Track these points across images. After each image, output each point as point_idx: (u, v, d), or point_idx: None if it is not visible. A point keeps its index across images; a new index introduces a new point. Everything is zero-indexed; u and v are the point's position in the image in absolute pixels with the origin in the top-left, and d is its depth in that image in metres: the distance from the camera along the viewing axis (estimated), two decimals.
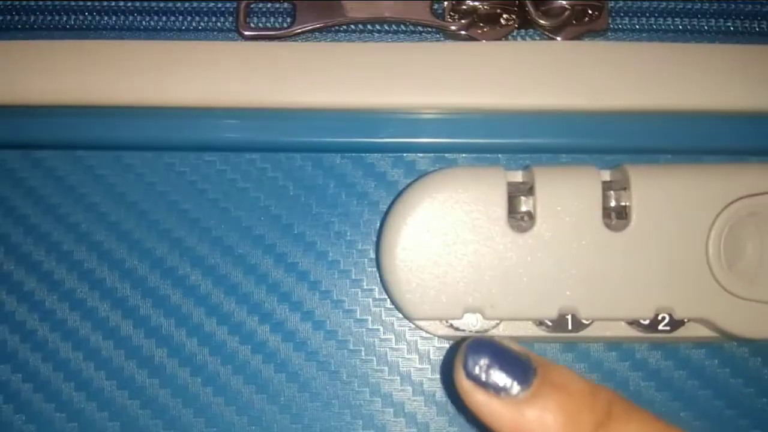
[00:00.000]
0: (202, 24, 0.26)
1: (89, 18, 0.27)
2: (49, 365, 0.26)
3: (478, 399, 0.19)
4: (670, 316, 0.24)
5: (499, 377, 0.19)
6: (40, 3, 0.26)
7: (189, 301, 0.26)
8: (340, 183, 0.26)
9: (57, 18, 0.27)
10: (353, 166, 0.26)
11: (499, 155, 0.26)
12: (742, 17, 0.26)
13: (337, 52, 0.26)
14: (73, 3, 0.27)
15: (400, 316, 0.26)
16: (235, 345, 0.26)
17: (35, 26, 0.26)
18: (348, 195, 0.26)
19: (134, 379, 0.26)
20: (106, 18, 0.27)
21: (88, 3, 0.26)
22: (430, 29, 0.26)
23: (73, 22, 0.27)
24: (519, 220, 0.24)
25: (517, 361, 0.19)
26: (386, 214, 0.25)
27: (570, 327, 0.24)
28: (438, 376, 0.26)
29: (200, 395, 0.26)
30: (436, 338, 0.26)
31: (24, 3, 0.26)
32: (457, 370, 0.20)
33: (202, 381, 0.26)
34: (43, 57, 0.26)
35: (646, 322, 0.24)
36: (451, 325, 0.25)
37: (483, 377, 0.19)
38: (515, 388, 0.19)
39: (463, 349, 0.20)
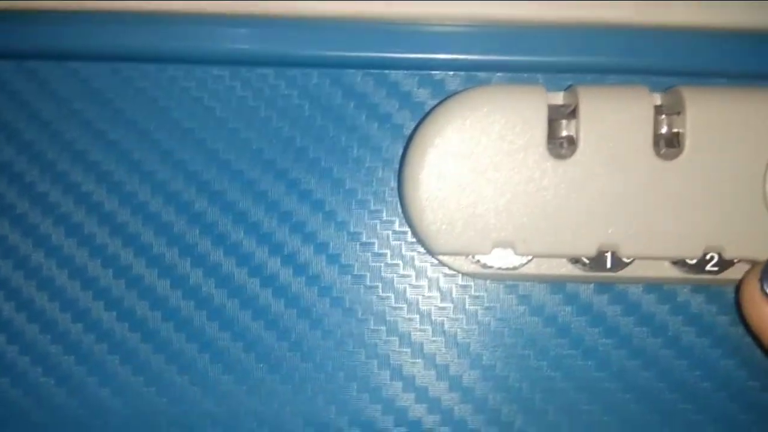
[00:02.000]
0: None
1: None
2: (45, 294, 0.25)
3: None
4: (720, 255, 0.22)
5: None
6: None
7: (194, 230, 0.25)
8: (360, 103, 0.24)
9: None
10: (375, 85, 0.24)
11: (539, 75, 0.23)
12: None
13: None
14: None
15: (422, 250, 0.24)
16: (243, 278, 0.24)
17: None
18: (369, 117, 0.24)
19: (135, 313, 0.25)
20: None
21: None
22: None
23: None
24: (558, 146, 0.22)
25: None
26: (410, 137, 0.23)
27: (609, 266, 0.22)
28: (461, 316, 0.24)
29: (205, 329, 0.24)
30: (460, 276, 0.24)
31: None
32: (751, 279, 0.20)
33: (208, 315, 0.24)
34: None
35: (693, 261, 0.22)
36: (478, 261, 0.23)
37: None
38: None
39: (763, 264, 0.21)
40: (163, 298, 0.25)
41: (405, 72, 0.24)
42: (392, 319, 0.24)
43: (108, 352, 0.25)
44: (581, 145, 0.21)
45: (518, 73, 0.23)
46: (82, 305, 0.25)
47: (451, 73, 0.24)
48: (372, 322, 0.24)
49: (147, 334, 0.25)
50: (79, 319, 0.25)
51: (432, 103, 0.24)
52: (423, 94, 0.24)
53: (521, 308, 0.24)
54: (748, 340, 0.24)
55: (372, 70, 0.24)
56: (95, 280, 0.25)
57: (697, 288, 0.24)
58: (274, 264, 0.24)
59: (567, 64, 0.23)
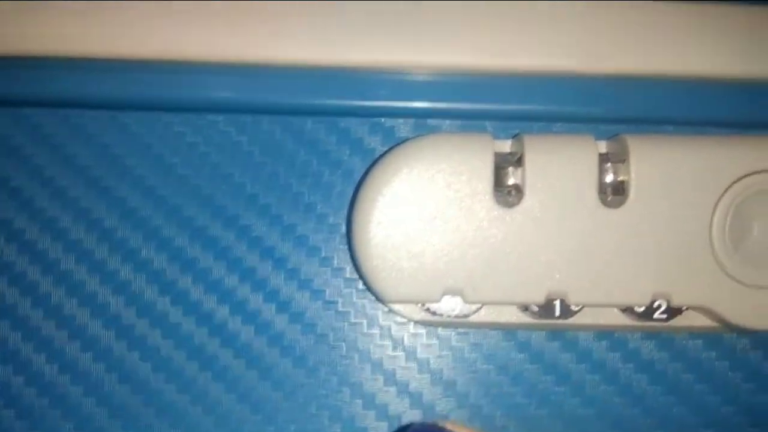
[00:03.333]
0: None
1: None
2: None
3: None
4: (668, 303, 0.22)
5: None
6: None
7: (140, 277, 0.24)
8: (311, 150, 0.24)
9: None
10: (326, 132, 0.24)
11: (487, 122, 0.24)
12: None
13: (309, 4, 0.23)
14: None
15: (373, 298, 0.24)
16: (191, 327, 0.24)
17: None
18: (320, 163, 0.24)
19: (76, 363, 0.24)
20: None
21: None
22: None
23: None
24: (506, 194, 0.22)
25: None
26: (359, 184, 0.23)
27: (558, 313, 0.22)
28: (412, 364, 0.24)
29: (150, 381, 0.24)
30: (412, 324, 0.24)
31: None
32: None
33: (153, 366, 0.24)
34: (16, 5, 0.23)
35: (641, 309, 0.22)
36: (428, 309, 0.22)
37: None
38: None
39: None
40: (121, 357, 0.24)
41: (356, 119, 0.24)
42: (344, 368, 0.24)
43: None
44: (527, 193, 0.21)
45: (467, 121, 0.24)
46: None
47: (402, 120, 0.24)
48: (323, 372, 0.24)
49: (90, 386, 0.24)
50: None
51: (382, 149, 0.24)
52: (374, 141, 0.24)
53: (473, 356, 0.24)
54: (700, 386, 0.24)
55: (323, 117, 0.24)
56: (48, 342, 0.24)
57: (647, 335, 0.23)
58: (222, 313, 0.24)
59: (515, 112, 0.23)
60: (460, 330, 0.24)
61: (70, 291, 0.24)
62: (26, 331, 0.24)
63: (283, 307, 0.24)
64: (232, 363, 0.24)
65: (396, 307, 0.23)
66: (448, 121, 0.24)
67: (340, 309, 0.24)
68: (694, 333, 0.23)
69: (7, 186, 0.24)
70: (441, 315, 0.22)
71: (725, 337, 0.24)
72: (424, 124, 0.24)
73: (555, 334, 0.24)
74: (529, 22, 0.22)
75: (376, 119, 0.24)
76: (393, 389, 0.24)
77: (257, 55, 0.23)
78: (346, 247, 0.24)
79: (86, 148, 0.24)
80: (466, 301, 0.22)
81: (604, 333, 0.24)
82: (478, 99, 0.23)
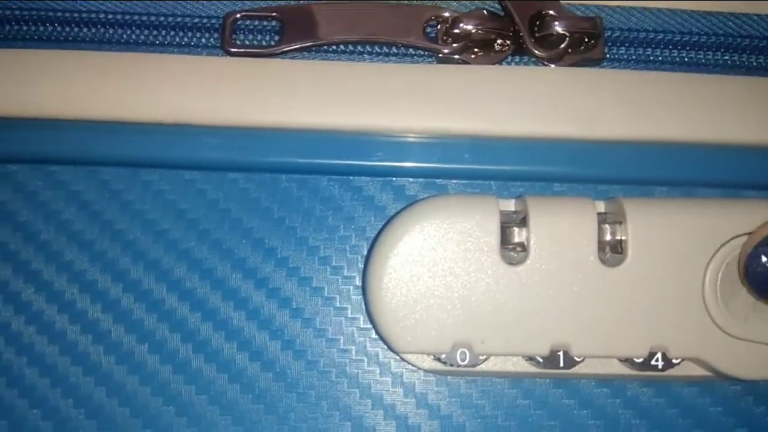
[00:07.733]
0: (185, 39, 0.25)
1: (67, 29, 0.25)
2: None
3: None
4: (664, 354, 0.23)
5: None
6: (17, 13, 0.25)
7: (163, 327, 0.25)
8: (326, 206, 0.25)
9: (34, 28, 0.25)
10: (340, 189, 0.25)
11: (491, 182, 0.25)
12: (740, 51, 0.25)
13: (327, 71, 0.25)
14: (50, 13, 0.25)
15: (385, 347, 0.25)
16: (212, 374, 0.25)
17: (10, 36, 0.25)
18: (334, 219, 0.25)
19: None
20: (85, 30, 0.25)
21: (67, 14, 0.25)
22: (422, 52, 0.25)
23: (50, 33, 0.25)
24: (512, 250, 0.23)
25: None
26: (374, 242, 0.24)
27: (561, 364, 0.23)
28: (423, 410, 0.25)
29: (173, 427, 0.25)
30: (422, 371, 0.25)
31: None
32: None
33: (176, 411, 0.25)
34: (16, 67, 0.25)
35: (640, 360, 0.23)
36: (439, 359, 0.24)
37: None
38: None
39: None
40: (132, 393, 0.25)
41: (368, 178, 0.25)
42: (357, 414, 0.25)
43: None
44: (532, 251, 0.23)
45: (472, 181, 0.25)
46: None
47: (411, 179, 0.25)
48: (337, 418, 0.25)
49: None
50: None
51: (393, 207, 0.25)
52: (385, 199, 0.25)
53: (481, 402, 0.25)
54: (696, 431, 0.25)
55: (337, 176, 0.25)
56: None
57: (646, 382, 0.25)
58: (242, 360, 0.25)
59: (517, 173, 0.24)
60: (469, 378, 0.25)
61: (97, 339, 0.25)
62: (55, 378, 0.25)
63: (299, 354, 0.25)
64: (250, 408, 0.25)
65: (408, 356, 0.24)
66: (454, 181, 0.25)
67: (354, 357, 0.25)
68: (689, 381, 0.25)
69: (37, 239, 0.26)
70: (451, 365, 0.24)
71: (718, 384, 0.25)
72: (432, 183, 0.25)
73: (559, 381, 0.25)
74: (531, 92, 0.24)
75: (387, 178, 0.25)
76: None
77: (275, 119, 0.24)
78: (360, 297, 0.25)
79: (111, 204, 0.26)
80: (474, 353, 0.23)
81: (605, 380, 0.25)
82: (483, 161, 0.24)
